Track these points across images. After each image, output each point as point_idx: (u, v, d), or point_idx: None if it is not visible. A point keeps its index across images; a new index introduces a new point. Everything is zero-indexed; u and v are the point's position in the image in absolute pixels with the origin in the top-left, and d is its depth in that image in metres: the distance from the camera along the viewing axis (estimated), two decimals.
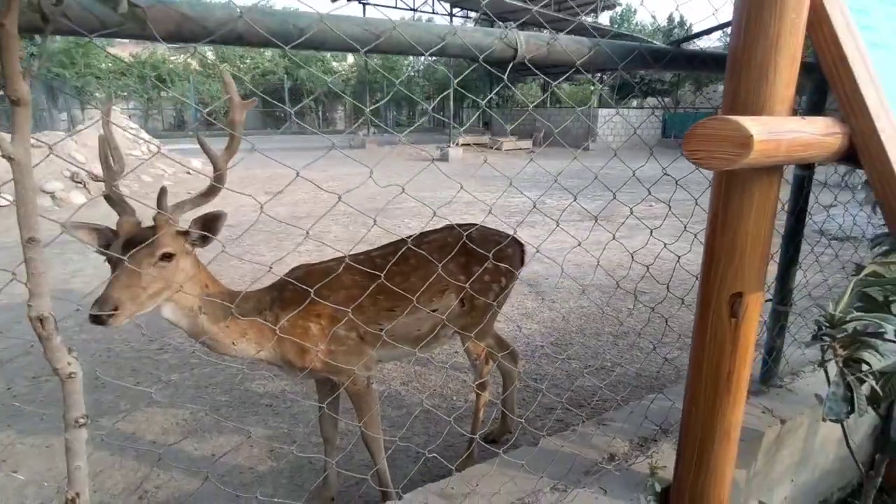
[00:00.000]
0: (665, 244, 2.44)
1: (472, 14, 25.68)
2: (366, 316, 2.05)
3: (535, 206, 1.83)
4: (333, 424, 2.43)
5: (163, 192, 1.50)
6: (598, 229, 7.51)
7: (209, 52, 33.30)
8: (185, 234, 1.63)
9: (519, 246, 2.65)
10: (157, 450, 2.85)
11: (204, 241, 1.65)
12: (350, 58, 29.53)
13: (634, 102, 31.35)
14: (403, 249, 2.15)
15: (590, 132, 22.59)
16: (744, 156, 0.96)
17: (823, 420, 1.35)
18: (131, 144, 11.91)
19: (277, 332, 1.86)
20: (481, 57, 1.40)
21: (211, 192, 1.58)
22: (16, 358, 3.90)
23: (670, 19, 28.40)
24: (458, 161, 17.28)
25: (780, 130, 1.02)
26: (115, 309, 1.43)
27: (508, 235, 2.57)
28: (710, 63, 1.71)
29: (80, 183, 9.71)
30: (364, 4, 21.90)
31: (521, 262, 2.68)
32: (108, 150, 1.56)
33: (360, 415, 2.20)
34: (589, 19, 21.18)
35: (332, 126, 38.38)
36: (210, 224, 1.61)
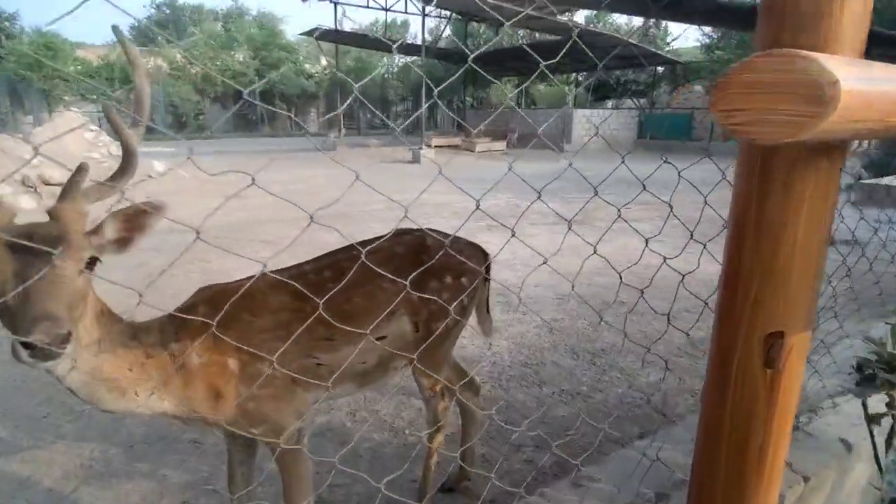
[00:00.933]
0: (667, 259, 2.01)
1: (445, 13, 25.27)
2: (298, 347, 1.60)
3: (479, 207, 1.39)
4: (248, 479, 1.93)
5: (81, 170, 1.14)
6: (572, 233, 7.15)
7: (178, 55, 32.36)
8: (93, 233, 1.20)
9: (483, 254, 2.21)
10: (52, 500, 2.34)
11: (121, 245, 1.22)
12: (323, 60, 28.83)
13: (609, 104, 31.29)
14: (342, 261, 1.83)
15: (564, 133, 22.33)
16: (821, 117, 0.54)
17: (883, 501, 0.94)
18: (90, 147, 11.18)
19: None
20: None
21: (122, 174, 1.21)
22: None
23: (645, 20, 28.37)
24: (428, 163, 16.84)
25: (880, 78, 0.61)
26: (69, 332, 1.02)
27: (470, 242, 2.19)
28: (722, 14, 1.30)
29: (32, 187, 9.00)
30: (336, 4, 21.29)
31: (487, 274, 2.21)
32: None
33: (286, 486, 1.72)
34: (564, 18, 20.97)
35: (303, 128, 37.57)
36: (136, 222, 1.20)
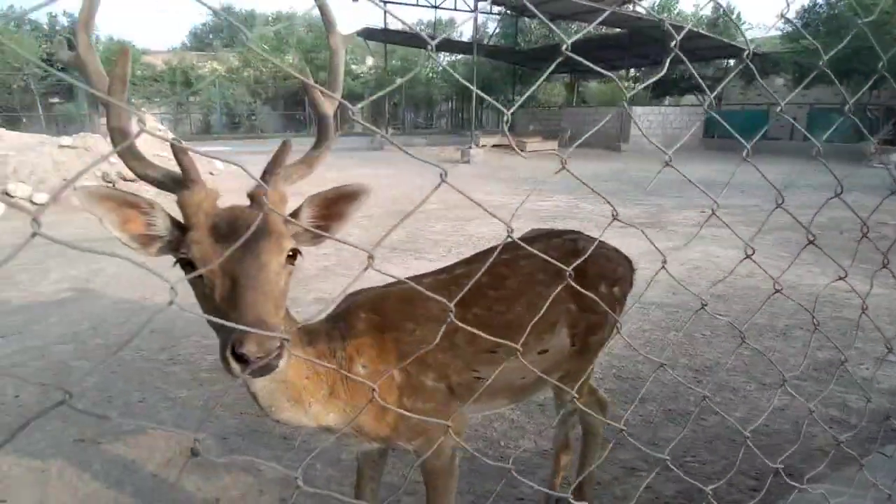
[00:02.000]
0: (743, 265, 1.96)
1: (497, 8, 25.14)
2: (461, 360, 1.53)
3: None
4: (376, 494, 1.89)
5: (285, 149, 1.05)
6: (644, 237, 6.90)
7: (233, 58, 33.69)
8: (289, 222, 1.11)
9: (629, 262, 2.07)
10: (158, 486, 2.51)
11: (317, 235, 1.10)
12: (369, 59, 29.31)
13: (667, 100, 30.10)
14: (497, 265, 1.67)
15: (621, 132, 21.58)
16: None
17: None
18: (160, 146, 11.85)
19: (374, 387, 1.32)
20: None
21: (315, 158, 1.12)
22: (29, 362, 3.66)
23: (715, 9, 26.87)
24: (481, 163, 16.84)
25: None
26: (281, 344, 0.92)
27: (617, 249, 2.04)
28: None
29: (111, 183, 9.62)
30: (385, 2, 21.61)
31: (631, 284, 2.08)
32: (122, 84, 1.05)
33: (433, 500, 1.63)
34: (629, 8, 20.27)
35: (350, 128, 38.31)
36: (340, 205, 1.08)
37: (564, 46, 0.98)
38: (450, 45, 28.63)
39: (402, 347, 1.46)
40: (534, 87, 1.14)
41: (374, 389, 0.98)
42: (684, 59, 1.47)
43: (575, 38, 1.07)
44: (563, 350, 1.76)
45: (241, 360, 0.90)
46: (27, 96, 26.06)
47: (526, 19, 28.32)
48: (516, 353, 1.57)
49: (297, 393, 1.29)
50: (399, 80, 1.02)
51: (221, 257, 0.94)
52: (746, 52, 1.38)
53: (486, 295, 1.58)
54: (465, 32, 29.78)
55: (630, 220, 1.34)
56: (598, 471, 2.48)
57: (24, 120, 25.93)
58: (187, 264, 1.01)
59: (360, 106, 0.83)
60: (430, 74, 38.13)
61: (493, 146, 19.69)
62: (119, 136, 1.04)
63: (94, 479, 2.51)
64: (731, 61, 24.96)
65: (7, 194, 8.76)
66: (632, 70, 27.16)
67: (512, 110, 0.96)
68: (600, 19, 1.25)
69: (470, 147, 18.32)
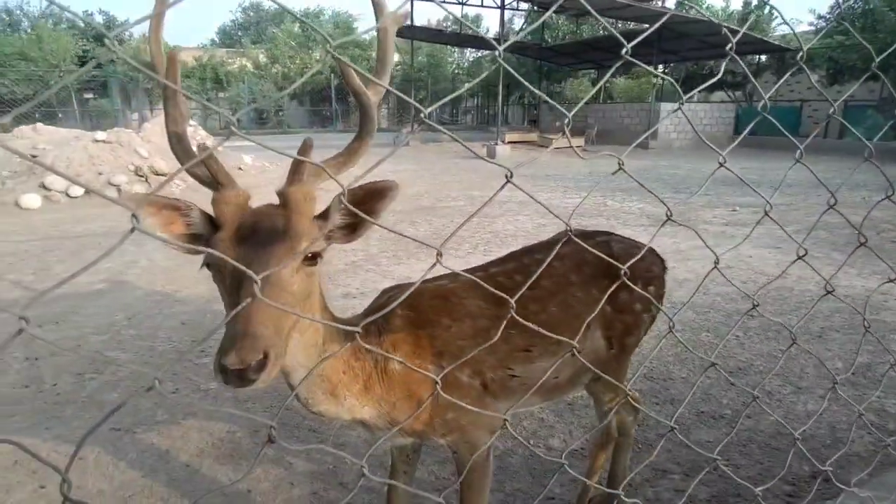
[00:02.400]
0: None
1: (524, 6, 24.94)
2: (495, 357, 1.53)
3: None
4: (406, 495, 1.91)
5: (307, 147, 1.01)
6: (676, 235, 6.94)
7: (261, 55, 34.17)
8: (320, 218, 1.09)
9: (662, 261, 2.04)
10: (190, 477, 2.55)
11: (351, 232, 1.10)
12: (396, 56, 29.39)
13: (696, 97, 29.43)
14: (531, 265, 1.70)
15: (649, 129, 21.22)
16: None
17: None
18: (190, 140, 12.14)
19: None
20: None
21: (356, 150, 1.09)
22: (65, 352, 3.78)
23: (746, 3, 25.92)
24: (506, 159, 16.76)
25: None
26: (265, 356, 0.92)
27: (651, 249, 1.97)
28: None
29: (143, 177, 9.86)
30: (413, 0, 21.60)
31: (664, 285, 2.07)
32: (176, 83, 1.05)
33: (464, 498, 1.62)
34: (657, 4, 19.85)
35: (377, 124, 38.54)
36: (370, 203, 1.03)
37: (624, 50, 1.00)
38: (475, 42, 28.53)
39: (436, 343, 1.47)
40: (589, 95, 1.11)
41: (437, 382, 1.01)
42: (739, 59, 1.43)
43: (634, 41, 1.04)
44: (598, 351, 1.75)
45: (223, 369, 0.91)
46: (63, 92, 26.62)
47: (552, 15, 28.02)
48: (550, 353, 1.60)
49: (333, 387, 1.31)
50: (469, 83, 1.00)
51: (230, 260, 0.93)
52: (800, 55, 1.36)
53: (522, 294, 1.57)
54: (491, 28, 29.67)
55: (682, 221, 1.30)
56: (629, 472, 2.44)
57: (60, 115, 26.63)
58: (211, 264, 1.04)
59: (430, 109, 0.86)
60: (456, 70, 38.09)
61: (513, 142, 19.53)
62: (175, 140, 1.10)
63: (129, 468, 2.57)
64: (763, 57, 24.22)
65: (44, 187, 9.04)
66: (660, 66, 26.61)
67: (573, 112, 0.94)
68: (662, 21, 1.22)
69: (496, 144, 18.23)
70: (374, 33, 1.07)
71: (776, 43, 20.26)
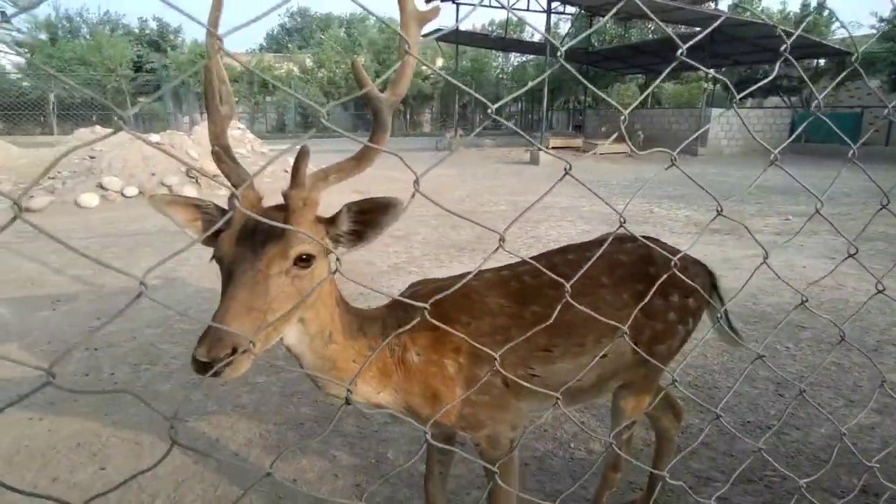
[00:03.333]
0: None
1: (571, 9, 24.73)
2: (516, 356, 1.55)
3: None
4: (443, 488, 1.95)
5: (302, 156, 1.07)
6: (724, 244, 6.81)
7: (308, 60, 35.03)
8: (329, 223, 1.19)
9: (709, 273, 1.98)
10: (240, 463, 2.67)
11: (356, 238, 1.19)
12: (439, 60, 29.61)
13: (749, 102, 28.39)
14: (560, 265, 1.72)
15: (699, 135, 20.56)
16: None
17: None
18: (237, 143, 12.53)
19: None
20: None
21: (367, 155, 1.13)
22: (122, 343, 3.99)
23: (804, 5, 24.76)
24: (549, 164, 16.62)
25: None
26: (234, 350, 0.98)
27: (696, 260, 1.97)
28: None
29: (194, 178, 10.28)
30: (457, 4, 21.79)
31: (718, 291, 2.01)
32: (215, 83, 1.16)
33: (494, 492, 1.64)
34: (709, 6, 19.25)
35: (419, 129, 38.84)
36: (374, 214, 1.13)
37: (680, 51, 1.01)
38: (521, 46, 28.45)
39: (454, 339, 1.49)
40: (645, 93, 1.12)
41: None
42: (795, 63, 1.41)
43: (690, 42, 1.06)
44: (625, 357, 1.73)
45: (194, 359, 0.98)
46: (119, 96, 27.83)
47: (599, 19, 27.70)
48: (571, 354, 1.62)
49: (342, 374, 1.37)
50: (534, 81, 1.01)
51: (223, 252, 1.08)
52: (854, 57, 1.36)
53: (546, 294, 1.60)
54: (536, 34, 29.57)
55: (754, 231, 1.29)
56: (672, 479, 2.43)
57: (116, 118, 28.30)
58: (217, 258, 1.13)
59: (498, 105, 0.92)
60: (500, 75, 38.06)
61: (556, 148, 19.36)
62: (214, 140, 1.22)
63: (181, 454, 2.69)
64: (821, 61, 23.14)
65: (101, 187, 9.53)
66: (711, 71, 25.88)
67: (629, 109, 0.96)
68: (717, 24, 1.22)
69: (539, 148, 18.10)
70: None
71: (835, 46, 19.23)
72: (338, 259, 1.00)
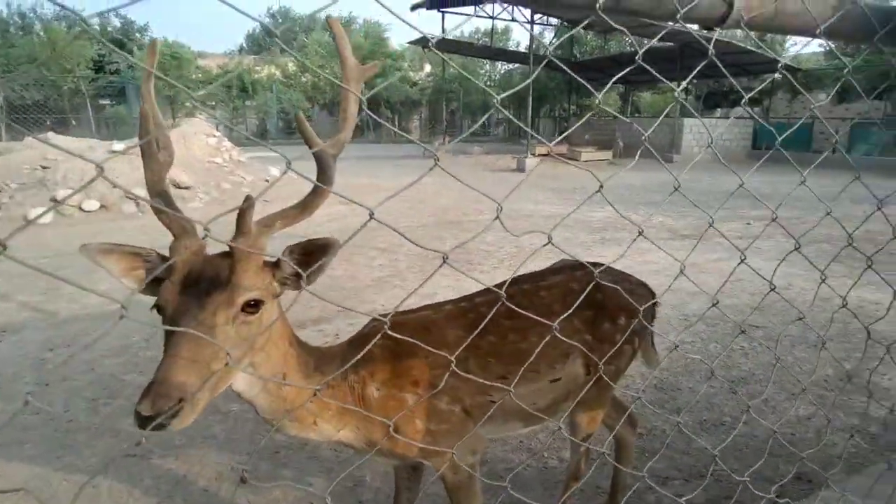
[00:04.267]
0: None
1: (553, 21, 24.89)
2: (474, 384, 1.59)
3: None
4: (412, 502, 1.98)
5: (248, 204, 1.07)
6: (689, 248, 6.78)
7: (290, 64, 34.54)
8: (275, 267, 1.18)
9: (651, 294, 2.12)
10: (209, 502, 2.46)
11: (300, 278, 1.17)
12: (427, 67, 29.54)
13: (718, 112, 29.51)
14: (516, 296, 1.81)
15: (673, 143, 21.28)
16: None
17: None
18: (213, 152, 12.14)
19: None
20: (681, 13, 1.02)
21: (311, 203, 1.16)
22: (79, 375, 3.66)
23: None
24: (535, 172, 16.61)
25: None
26: (181, 401, 0.97)
27: (641, 282, 2.14)
28: None
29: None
30: (443, 13, 21.71)
31: (653, 316, 2.20)
32: (151, 128, 1.16)
33: None
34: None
35: (407, 135, 38.67)
36: (315, 255, 1.13)
37: (637, 56, 1.06)
38: (506, 55, 28.56)
39: (413, 372, 1.55)
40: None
41: (389, 426, 1.14)
42: (721, 65, 1.38)
43: (642, 50, 1.11)
44: (577, 379, 1.82)
45: (137, 414, 0.95)
46: (77, 98, 25.50)
47: (581, 31, 28.00)
48: (528, 380, 1.68)
49: (299, 414, 1.37)
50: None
51: (165, 302, 1.06)
52: (780, 66, 1.44)
53: (501, 324, 1.66)
54: (521, 42, 29.68)
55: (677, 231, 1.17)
56: (630, 478, 2.51)
57: (74, 123, 25.32)
58: (158, 308, 1.10)
59: (504, 95, 1.00)
60: (488, 82, 38.10)
61: (542, 155, 19.47)
62: (152, 190, 1.21)
63: (144, 495, 2.47)
64: (778, 76, 24.27)
65: (55, 201, 8.57)
66: (682, 82, 26.85)
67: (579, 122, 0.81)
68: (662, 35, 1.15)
69: (525, 156, 18.22)
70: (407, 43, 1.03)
71: (787, 62, 21.02)
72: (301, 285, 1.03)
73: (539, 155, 19.02)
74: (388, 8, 0.85)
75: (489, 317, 1.26)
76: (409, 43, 27.60)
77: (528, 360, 1.54)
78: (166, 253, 1.15)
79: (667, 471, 2.68)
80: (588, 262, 2.11)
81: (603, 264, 1.95)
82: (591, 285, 1.66)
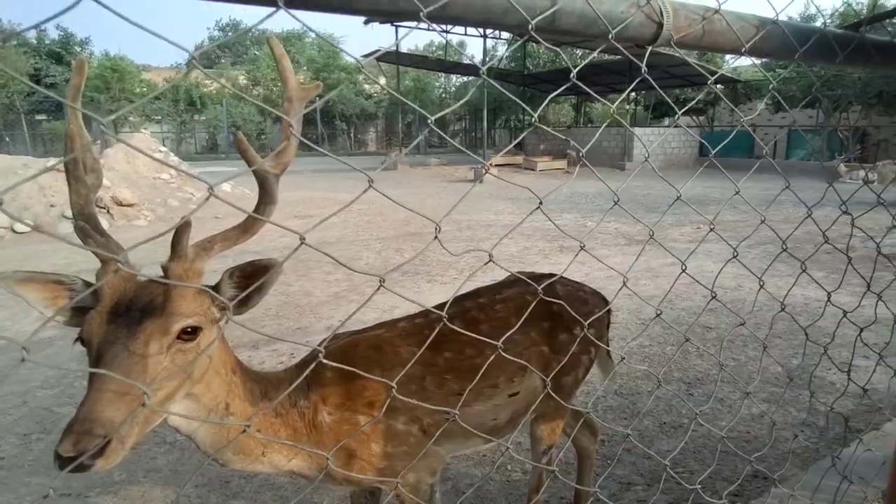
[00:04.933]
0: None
1: (506, 35, 25.39)
2: (431, 403, 1.57)
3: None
4: None
5: (183, 227, 1.03)
6: (645, 254, 7.13)
7: (241, 77, 33.90)
8: (214, 291, 1.08)
9: (605, 302, 2.15)
10: None
11: (242, 303, 1.11)
12: (382, 79, 29.50)
13: (666, 121, 30.85)
14: (472, 310, 1.82)
15: (625, 152, 22.15)
16: None
17: None
18: (159, 167, 11.71)
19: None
20: (612, 33, 1.03)
21: (251, 225, 1.12)
22: (10, 409, 3.39)
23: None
24: (492, 182, 16.76)
25: None
26: (106, 439, 0.89)
27: (595, 291, 2.17)
28: None
29: (104, 208, 9.46)
30: (396, 26, 21.78)
31: (608, 324, 2.25)
32: (78, 150, 1.11)
33: None
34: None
35: (363, 147, 38.47)
36: (256, 277, 1.09)
37: (572, 74, 1.05)
38: (459, 68, 28.92)
39: (367, 394, 1.51)
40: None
41: (328, 458, 1.10)
42: (654, 83, 1.45)
43: (577, 67, 1.14)
44: (536, 392, 1.80)
45: (58, 455, 0.88)
46: (11, 114, 24.79)
47: (533, 45, 28.72)
48: (486, 396, 1.70)
49: (246, 446, 1.31)
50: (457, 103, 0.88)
51: (91, 333, 0.98)
52: (713, 79, 1.50)
53: (458, 339, 1.63)
54: (477, 55, 30.08)
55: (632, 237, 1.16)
56: (596, 487, 2.52)
57: (7, 139, 24.68)
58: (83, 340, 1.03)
59: (438, 116, 1.00)
60: (443, 94, 38.37)
61: (498, 165, 19.79)
62: (79, 214, 1.14)
63: None
64: (720, 86, 26.29)
65: None
66: (632, 94, 28.06)
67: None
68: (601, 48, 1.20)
69: (483, 166, 18.37)
70: (361, 56, 0.98)
71: (728, 74, 23.20)
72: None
73: (496, 165, 19.28)
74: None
75: (433, 334, 1.23)
76: (363, 56, 27.49)
77: (486, 375, 1.50)
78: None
79: (629, 476, 2.70)
80: (543, 274, 2.16)
81: (556, 275, 1.96)
82: (545, 296, 1.67)
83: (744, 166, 16.94)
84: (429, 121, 0.92)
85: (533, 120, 1.16)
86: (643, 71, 1.17)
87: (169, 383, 1.02)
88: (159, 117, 31.00)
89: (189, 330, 1.04)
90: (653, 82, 1.36)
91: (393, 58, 23.83)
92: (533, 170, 20.57)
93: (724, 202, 9.65)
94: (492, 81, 0.99)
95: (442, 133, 0.99)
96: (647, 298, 5.23)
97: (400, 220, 9.91)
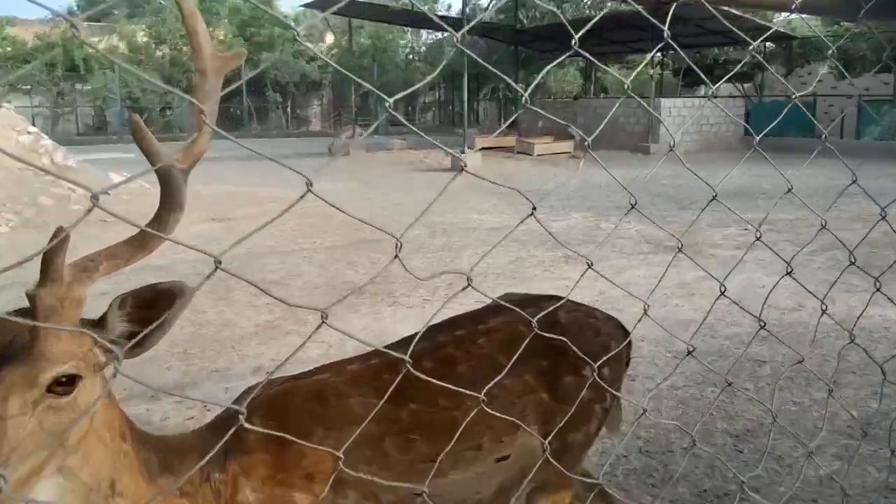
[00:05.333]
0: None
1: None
2: (393, 472, 1.56)
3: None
4: None
5: (60, 241, 0.99)
6: (678, 265, 6.97)
7: (140, 34, 33.50)
8: (97, 326, 1.13)
9: (624, 333, 2.14)
10: None
11: (137, 344, 1.12)
12: (329, 37, 29.56)
13: (702, 89, 31.11)
14: (447, 345, 1.83)
15: (650, 131, 21.96)
16: None
17: None
18: (28, 154, 11.48)
19: None
20: None
21: (149, 241, 1.11)
22: None
23: None
24: (476, 169, 16.85)
25: None
26: None
27: (609, 317, 2.18)
28: None
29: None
30: None
31: (628, 360, 2.25)
32: None
33: None
34: None
35: (304, 126, 38.39)
36: (157, 307, 1.10)
37: (574, 41, 1.07)
38: (431, 22, 29.02)
39: (305, 463, 1.50)
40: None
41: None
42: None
43: (588, 26, 1.17)
44: (533, 454, 1.77)
45: None
46: None
47: None
48: (466, 461, 1.68)
49: None
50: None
51: None
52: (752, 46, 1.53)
53: (428, 386, 1.53)
54: (454, 5, 30.34)
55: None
56: None
57: None
58: None
59: (397, 97, 0.98)
60: (410, 56, 38.50)
61: (486, 148, 19.78)
62: None
63: None
64: (771, 45, 26.21)
65: None
66: (658, 55, 28.02)
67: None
68: None
69: (462, 151, 18.19)
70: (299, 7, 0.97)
71: (780, 29, 21.93)
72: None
73: (482, 148, 19.26)
74: None
75: (395, 380, 1.24)
76: (303, 6, 27.51)
77: (465, 434, 1.51)
78: None
79: None
80: (540, 296, 2.15)
81: (560, 297, 1.89)
82: (540, 331, 1.61)
83: (803, 148, 16.50)
84: (387, 104, 0.94)
85: (523, 100, 1.15)
86: (665, 35, 1.16)
87: (35, 455, 1.00)
88: (28, 86, 30.47)
89: (63, 380, 1.02)
90: (676, 47, 1.34)
91: (345, 8, 23.85)
92: (529, 154, 20.55)
93: (777, 196, 9.79)
94: (467, 50, 1.03)
95: (403, 119, 1.01)
96: (679, 324, 5.28)
97: (352, 223, 9.86)
